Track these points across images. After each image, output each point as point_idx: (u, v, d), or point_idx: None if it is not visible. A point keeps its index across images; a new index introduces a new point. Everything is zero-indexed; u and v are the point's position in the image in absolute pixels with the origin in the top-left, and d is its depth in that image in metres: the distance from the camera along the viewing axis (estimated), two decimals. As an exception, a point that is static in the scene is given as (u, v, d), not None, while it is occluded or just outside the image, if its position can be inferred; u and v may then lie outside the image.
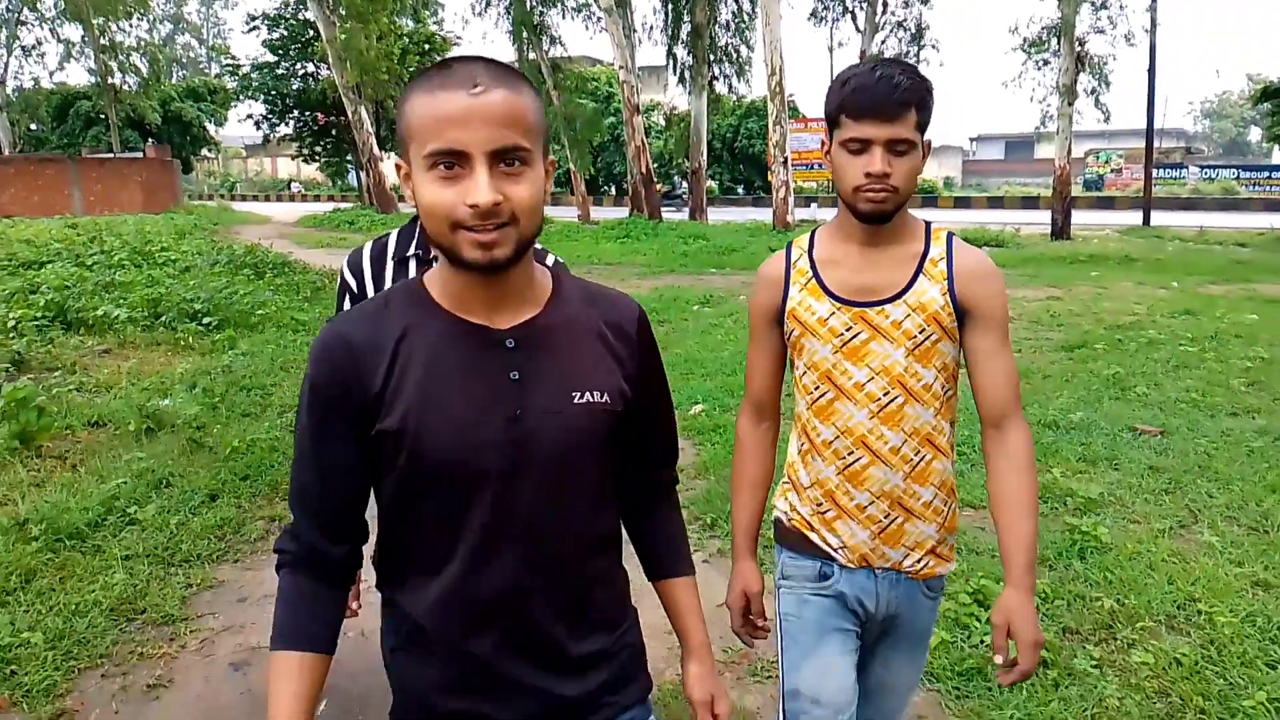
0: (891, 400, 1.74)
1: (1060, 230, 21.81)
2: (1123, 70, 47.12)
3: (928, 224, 1.81)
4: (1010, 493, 1.73)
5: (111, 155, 37.55)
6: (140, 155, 37.87)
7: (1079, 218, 27.83)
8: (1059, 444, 5.52)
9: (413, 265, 2.00)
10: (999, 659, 1.69)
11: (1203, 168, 44.15)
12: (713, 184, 40.77)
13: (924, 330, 1.72)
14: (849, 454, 1.78)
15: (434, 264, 1.63)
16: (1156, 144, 56.43)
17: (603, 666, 1.35)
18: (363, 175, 36.47)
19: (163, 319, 9.67)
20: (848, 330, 1.75)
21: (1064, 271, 15.12)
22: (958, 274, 1.73)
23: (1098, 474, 5.02)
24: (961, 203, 39.36)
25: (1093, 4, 21.89)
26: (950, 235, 1.79)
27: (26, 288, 10.90)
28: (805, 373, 1.82)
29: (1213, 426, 5.85)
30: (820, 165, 32.56)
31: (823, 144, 1.76)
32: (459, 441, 1.21)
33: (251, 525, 4.53)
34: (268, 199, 58.68)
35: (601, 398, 1.29)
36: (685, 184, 31.44)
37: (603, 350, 1.33)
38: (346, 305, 2.02)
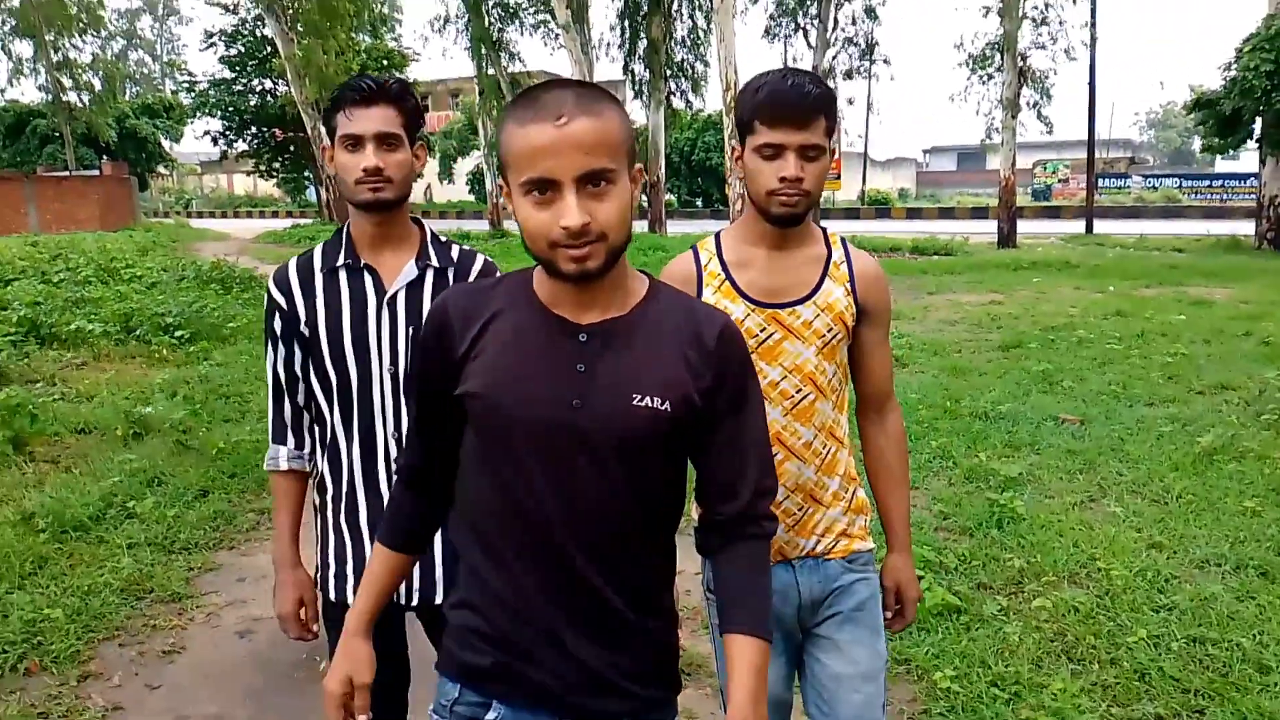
0: (804, 397, 1.84)
1: (1006, 238, 22.53)
2: (1068, 82, 48.36)
3: (824, 229, 1.93)
4: (890, 468, 1.95)
5: (68, 173, 37.27)
6: (97, 173, 37.59)
7: (1026, 226, 28.69)
8: (987, 431, 6.01)
9: (344, 275, 1.93)
10: (887, 615, 1.95)
11: (1146, 177, 45.49)
12: (671, 197, 41.34)
13: (831, 329, 1.84)
14: None
15: (364, 273, 1.90)
16: (1102, 154, 58.22)
17: (623, 652, 1.41)
18: (321, 191, 36.55)
19: (135, 333, 9.91)
20: (762, 331, 1.82)
21: (1007, 278, 15.74)
22: (859, 277, 1.87)
23: (1020, 457, 5.51)
24: (914, 213, 40.25)
25: (1034, 21, 22.77)
26: (844, 240, 1.92)
27: (-2, 304, 11.08)
28: None
29: (1129, 415, 6.38)
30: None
31: (733, 150, 1.85)
32: (524, 412, 1.33)
33: (243, 517, 4.87)
34: (224, 215, 58.30)
35: (662, 405, 1.33)
36: (644, 196, 31.95)
37: (679, 358, 1.36)
38: (277, 325, 1.95)
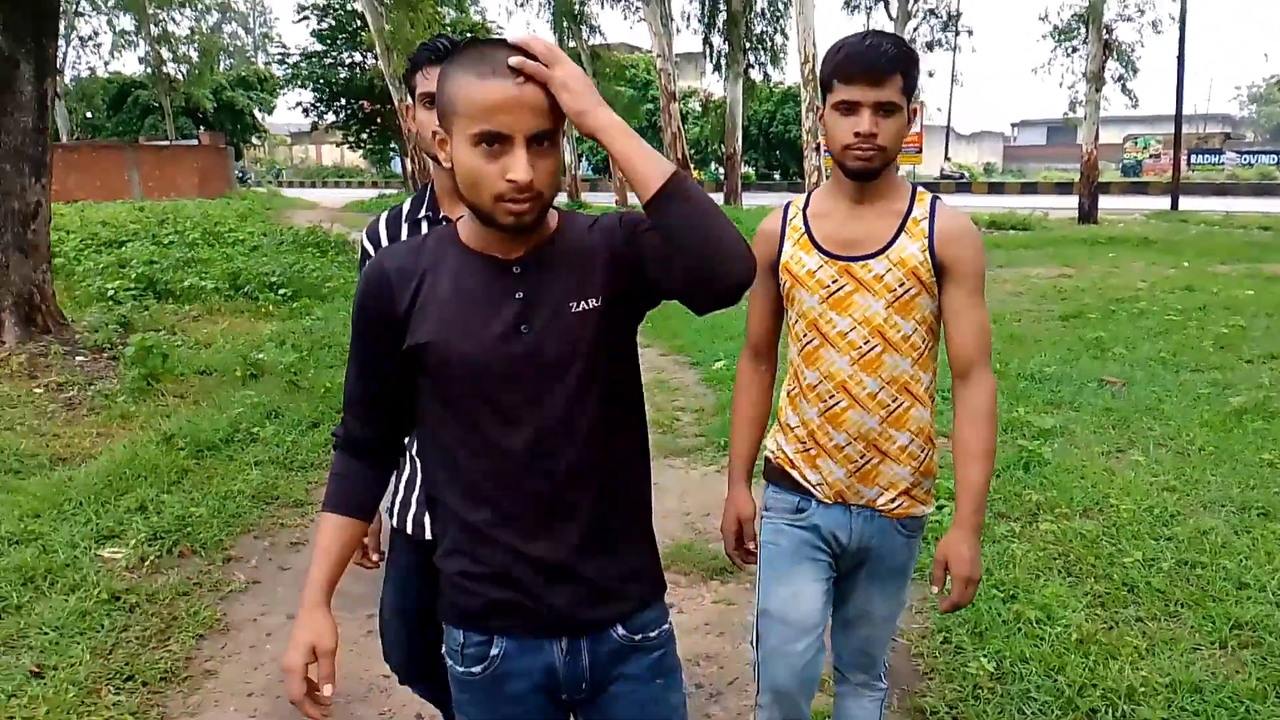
0: (871, 349, 1.87)
1: (1087, 214, 22.32)
2: (1164, 55, 46.88)
3: (914, 186, 1.93)
4: (967, 441, 1.88)
5: (168, 143, 39.01)
6: (195, 142, 39.28)
7: (1112, 202, 28.26)
8: (1031, 390, 6.38)
9: (424, 226, 2.06)
10: (935, 589, 1.93)
11: (1241, 153, 44.12)
12: (749, 170, 41.45)
13: (903, 284, 1.85)
14: (830, 397, 1.91)
15: (444, 223, 1.97)
16: (1200, 129, 56.33)
17: (619, 555, 1.50)
18: (407, 162, 37.62)
19: (243, 290, 10.76)
20: (834, 283, 1.88)
21: (1081, 252, 15.76)
22: (938, 233, 1.85)
23: (1059, 414, 5.88)
24: (995, 188, 39.73)
25: (1120, -8, 22.39)
26: (935, 199, 1.91)
27: (117, 263, 12.05)
28: (796, 321, 1.96)
29: (1171, 379, 6.66)
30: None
31: (818, 110, 2.22)
32: (476, 349, 1.39)
33: (348, 445, 5.53)
34: (313, 185, 60.09)
35: (597, 302, 1.43)
36: (720, 169, 32.23)
37: (601, 258, 1.45)
38: None
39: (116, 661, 3.15)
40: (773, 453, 2.06)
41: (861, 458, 1.91)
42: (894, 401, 1.89)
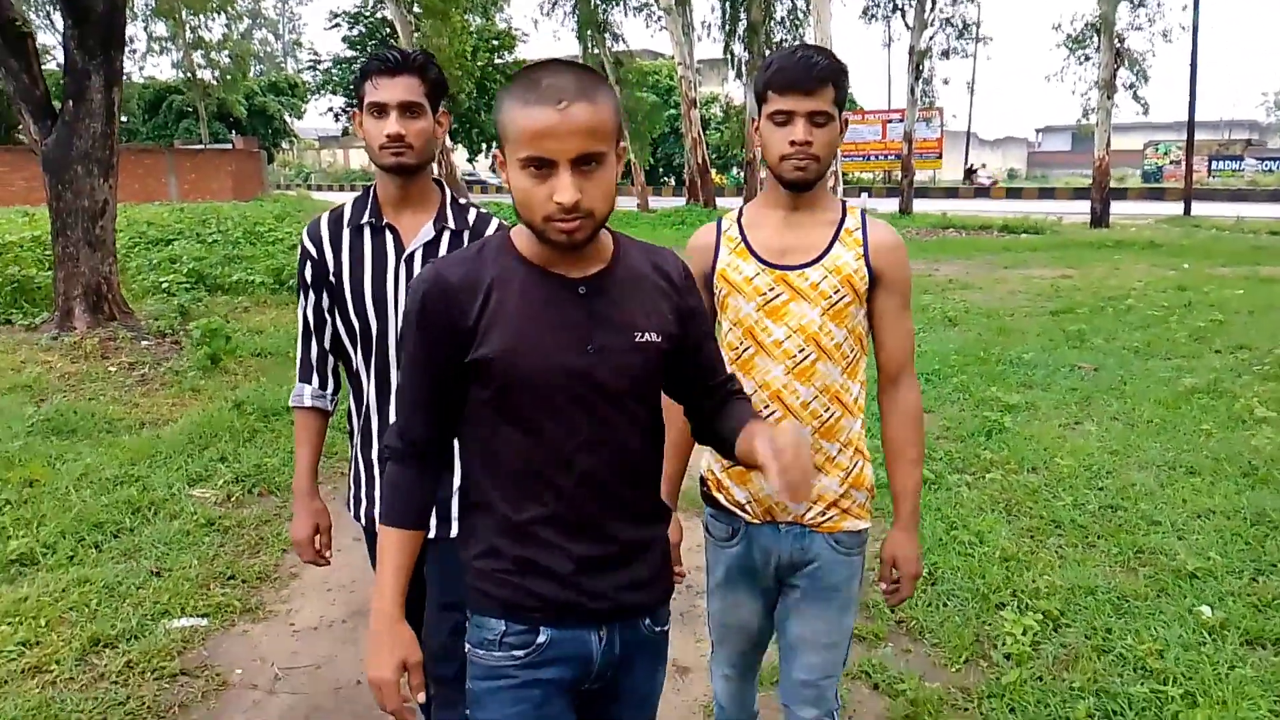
0: (805, 357, 1.90)
1: (1099, 219, 22.78)
2: (1188, 61, 47.00)
3: (844, 200, 2.03)
4: (901, 445, 1.97)
5: (203, 146, 40.15)
6: (230, 146, 40.43)
7: (1129, 207, 28.67)
8: (1007, 373, 7.04)
9: (367, 233, 2.07)
10: (883, 586, 2.05)
11: (1261, 159, 44.25)
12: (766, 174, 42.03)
13: (838, 291, 1.89)
14: (764, 408, 1.92)
15: (385, 232, 2.05)
16: (1225, 135, 56.22)
17: (645, 557, 1.60)
18: (435, 167, 38.55)
19: (287, 284, 11.51)
20: (770, 290, 1.92)
21: (1086, 255, 16.29)
22: (873, 244, 1.91)
23: (1029, 393, 6.52)
24: (1014, 193, 40.16)
25: (1131, 2, 22.91)
26: (864, 211, 1.99)
27: (168, 259, 12.89)
28: (730, 329, 1.98)
29: (1140, 366, 7.29)
30: (876, 156, 33.80)
31: (753, 122, 1.96)
32: (545, 365, 1.45)
33: (393, 414, 6.27)
34: (341, 189, 61.20)
35: (658, 339, 1.52)
36: (740, 173, 32.89)
37: (657, 296, 1.56)
38: (308, 273, 2.10)
39: (219, 566, 3.90)
40: (705, 474, 2.09)
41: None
42: (826, 411, 1.92)
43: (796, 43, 2.16)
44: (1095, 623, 3.35)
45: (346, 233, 2.08)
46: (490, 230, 2.07)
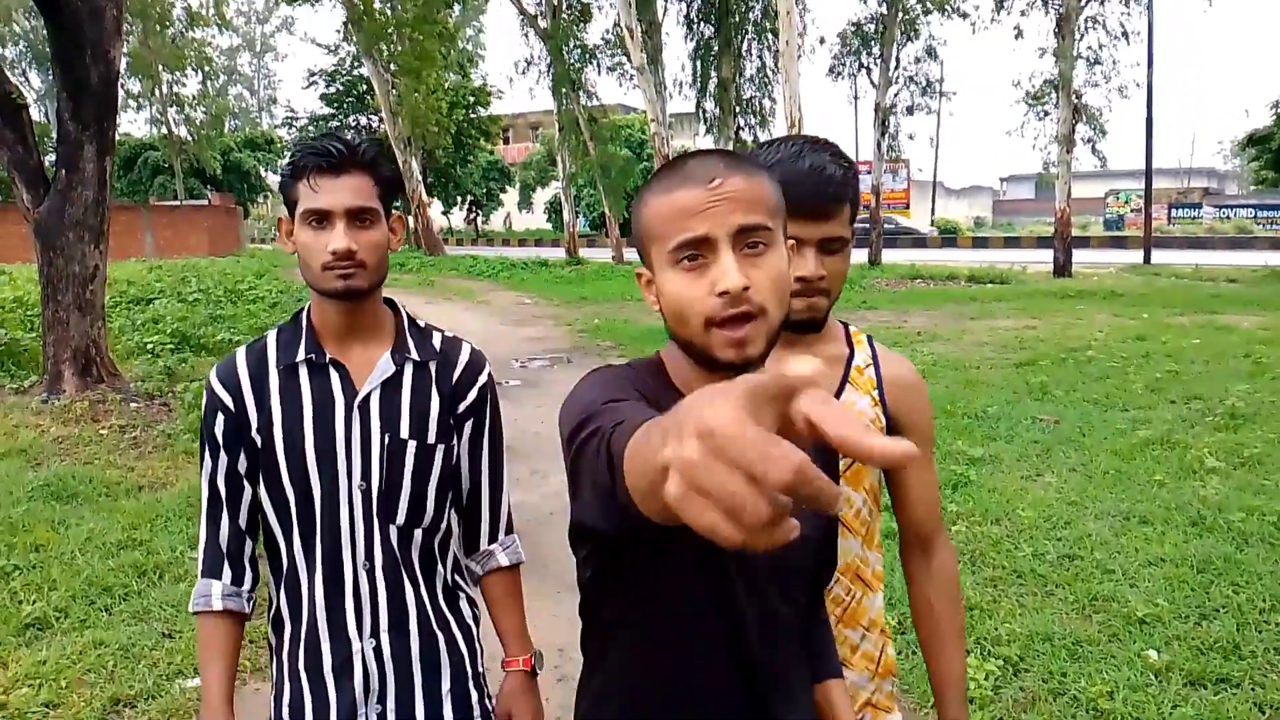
0: None
1: (1062, 268, 23.40)
2: (1155, 110, 48.42)
3: (845, 325, 1.69)
4: (943, 624, 1.67)
5: (179, 203, 40.36)
6: (206, 203, 40.67)
7: (1091, 256, 29.41)
8: (973, 426, 7.35)
9: (304, 373, 1.63)
10: None
11: (1219, 207, 45.54)
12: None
13: None
14: None
15: (329, 370, 1.62)
16: (1184, 183, 57.81)
17: None
18: (411, 220, 39.00)
19: (271, 343, 11.73)
20: None
21: (1050, 305, 16.79)
22: (888, 384, 1.62)
23: (993, 445, 6.83)
24: (980, 242, 41.05)
25: (1087, 61, 23.78)
26: (870, 338, 1.69)
27: (151, 319, 13.07)
28: None
29: (1099, 418, 7.63)
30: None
31: None
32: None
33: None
34: (317, 242, 61.31)
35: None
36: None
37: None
38: (219, 429, 1.64)
39: (227, 627, 4.08)
40: None
41: None
42: (848, 595, 1.63)
43: (795, 135, 1.58)
44: (1052, 667, 3.62)
45: (275, 375, 1.64)
46: (463, 359, 1.73)
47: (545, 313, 17.30)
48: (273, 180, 60.56)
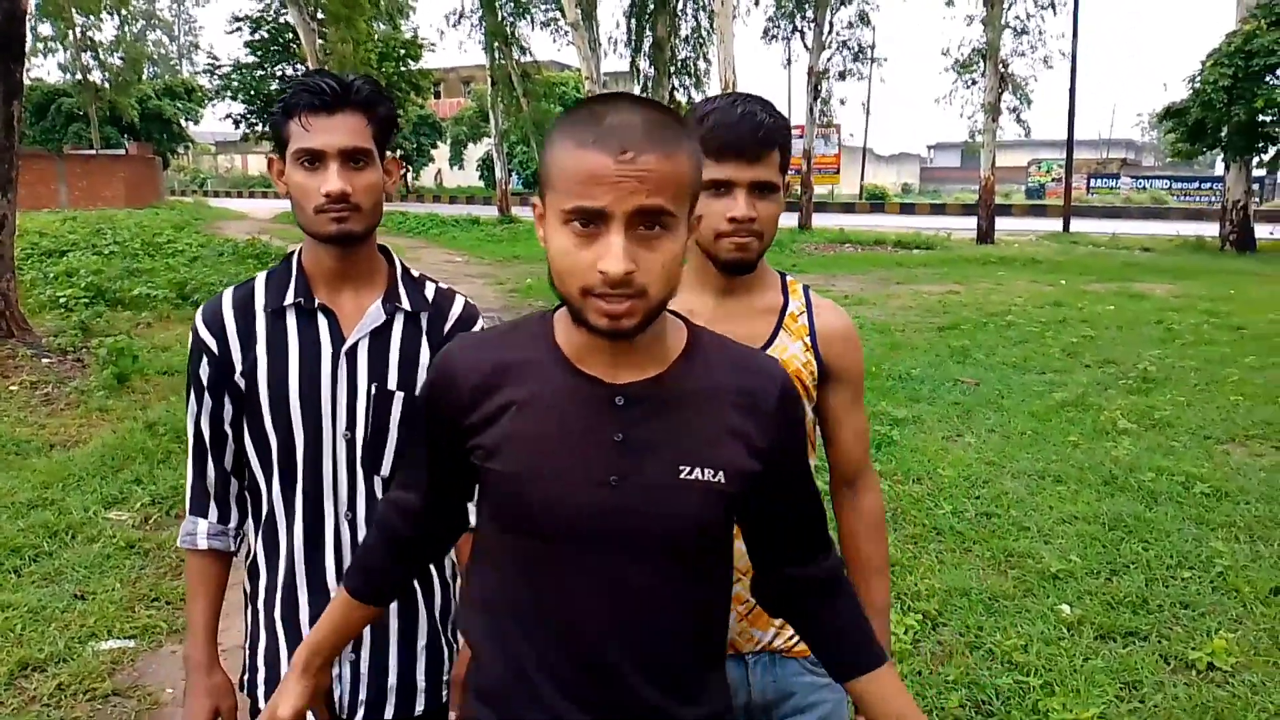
0: None
1: (985, 235, 23.89)
2: (1077, 81, 49.43)
3: (783, 274, 1.73)
4: (866, 556, 1.71)
5: (94, 152, 38.79)
6: (123, 152, 39.17)
7: (1013, 224, 30.03)
8: (896, 388, 7.49)
9: (292, 317, 1.60)
10: None
11: (1136, 178, 46.79)
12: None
13: None
14: None
15: (318, 316, 1.59)
16: (1103, 154, 59.24)
17: None
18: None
19: (191, 299, 11.39)
20: None
21: (973, 271, 17.13)
22: (821, 331, 1.66)
23: (916, 407, 6.97)
24: (907, 208, 41.61)
25: (1014, 30, 24.16)
26: (807, 289, 1.72)
27: (64, 272, 12.58)
28: None
29: (1016, 380, 7.83)
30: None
31: None
32: (554, 495, 1.15)
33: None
34: (239, 195, 59.72)
35: (715, 476, 1.17)
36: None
37: (728, 421, 1.20)
38: (204, 372, 1.62)
39: (143, 588, 3.99)
40: None
41: (751, 596, 1.61)
42: None
43: (730, 92, 1.82)
44: (969, 621, 3.72)
45: (262, 318, 1.60)
46: (455, 311, 1.69)
47: (476, 271, 17.10)
48: (194, 130, 58.68)
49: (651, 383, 1.18)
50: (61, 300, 10.68)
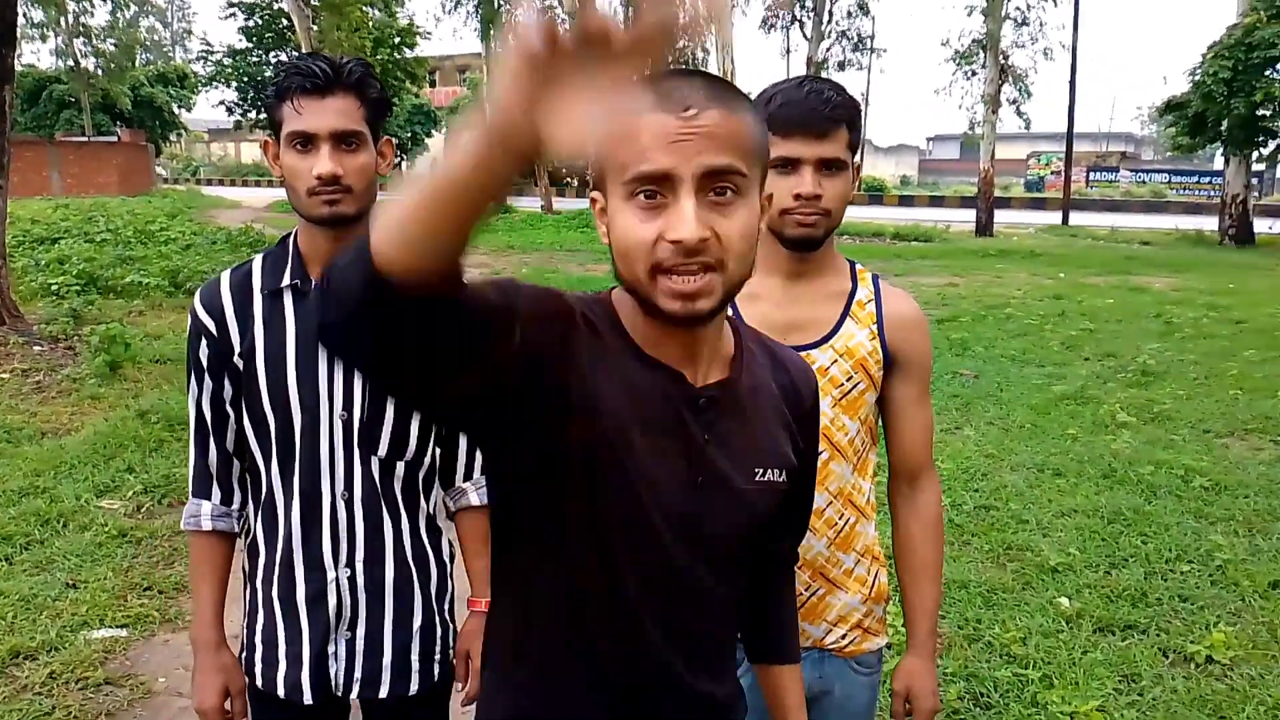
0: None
1: (984, 228, 23.84)
2: (1078, 74, 49.42)
3: (852, 263, 1.71)
4: (922, 557, 1.71)
5: (87, 139, 38.59)
6: (115, 139, 38.96)
7: (1012, 216, 30.00)
8: (895, 380, 7.44)
9: (289, 299, 1.61)
10: None
11: (1136, 171, 46.77)
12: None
13: (851, 378, 1.61)
14: None
15: (314, 295, 1.54)
16: (1103, 147, 59.22)
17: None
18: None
19: (184, 287, 11.31)
20: None
21: (972, 263, 17.11)
22: (888, 320, 1.64)
23: (914, 399, 6.93)
24: (906, 200, 41.53)
25: (1015, 21, 24.08)
26: (876, 277, 1.71)
27: (56, 259, 12.50)
28: None
29: (1015, 372, 7.81)
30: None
31: None
32: (643, 496, 1.07)
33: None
34: (232, 183, 59.51)
35: (780, 477, 1.17)
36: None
37: (781, 421, 1.20)
38: (203, 354, 1.64)
39: (135, 577, 3.95)
40: None
41: (808, 589, 1.65)
42: (840, 519, 1.65)
43: (801, 75, 1.90)
44: (967, 613, 3.70)
45: (259, 300, 1.62)
46: None
47: (470, 261, 16.79)
48: (187, 118, 58.40)
49: (724, 383, 1.14)
50: (53, 288, 10.61)
